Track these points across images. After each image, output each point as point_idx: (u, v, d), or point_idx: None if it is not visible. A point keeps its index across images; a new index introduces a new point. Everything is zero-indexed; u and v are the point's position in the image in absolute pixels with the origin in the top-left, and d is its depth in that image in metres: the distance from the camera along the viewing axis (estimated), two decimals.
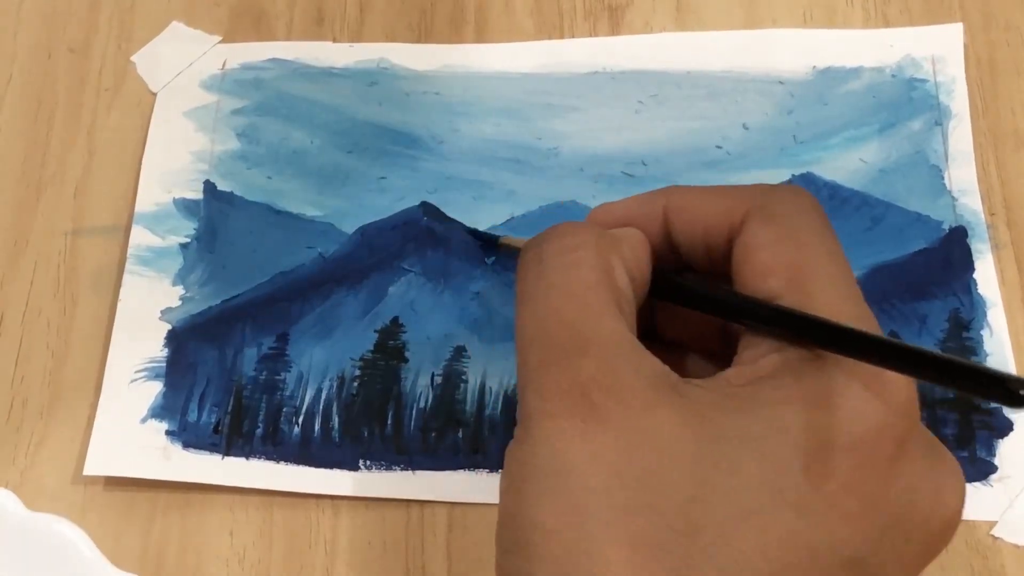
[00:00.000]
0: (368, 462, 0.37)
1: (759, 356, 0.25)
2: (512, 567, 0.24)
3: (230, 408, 0.38)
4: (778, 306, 0.25)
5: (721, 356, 0.28)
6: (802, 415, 0.23)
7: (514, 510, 0.24)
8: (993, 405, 0.36)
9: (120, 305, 0.40)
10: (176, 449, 0.38)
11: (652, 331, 0.31)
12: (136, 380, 0.39)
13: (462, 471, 0.37)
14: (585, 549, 0.22)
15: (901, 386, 0.24)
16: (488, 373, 0.38)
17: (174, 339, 0.40)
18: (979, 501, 0.35)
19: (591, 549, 0.22)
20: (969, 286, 0.38)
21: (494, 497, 0.37)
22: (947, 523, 0.25)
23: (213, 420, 0.38)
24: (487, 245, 0.39)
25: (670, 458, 0.23)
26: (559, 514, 0.23)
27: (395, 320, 0.39)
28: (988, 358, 0.37)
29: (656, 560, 0.22)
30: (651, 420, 0.23)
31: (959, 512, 0.25)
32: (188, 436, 0.38)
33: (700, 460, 0.23)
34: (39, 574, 0.35)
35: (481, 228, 0.40)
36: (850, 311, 0.25)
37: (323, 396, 0.38)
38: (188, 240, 0.41)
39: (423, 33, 0.45)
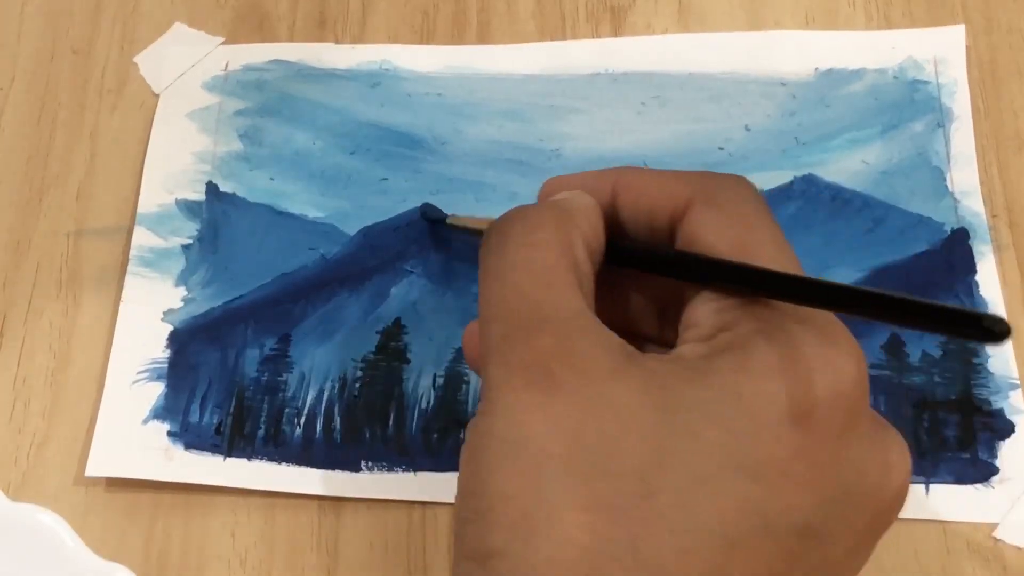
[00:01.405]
0: (370, 463, 0.37)
1: (707, 334, 0.26)
2: (470, 535, 0.24)
3: (232, 409, 0.38)
4: (739, 262, 0.26)
5: (657, 342, 0.30)
6: (755, 384, 0.24)
7: (474, 479, 0.24)
8: (996, 407, 0.36)
9: (122, 306, 0.40)
10: (178, 450, 0.38)
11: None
12: (138, 381, 0.39)
13: None
14: (543, 513, 0.23)
15: (852, 362, 0.24)
16: None
17: (176, 340, 0.40)
18: (981, 503, 0.35)
19: (549, 513, 0.23)
20: (971, 288, 0.38)
21: None
22: (895, 495, 0.25)
23: (215, 421, 0.38)
24: (436, 224, 0.40)
25: (628, 424, 0.23)
26: (518, 480, 0.23)
27: (397, 321, 0.39)
28: (990, 359, 0.37)
29: (613, 523, 0.23)
30: (610, 388, 0.24)
31: (906, 486, 0.26)
32: (190, 437, 0.38)
33: (658, 427, 0.23)
34: (21, 563, 0.35)
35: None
36: None
37: (325, 397, 0.38)
38: (190, 241, 0.41)
39: (426, 34, 0.45)
